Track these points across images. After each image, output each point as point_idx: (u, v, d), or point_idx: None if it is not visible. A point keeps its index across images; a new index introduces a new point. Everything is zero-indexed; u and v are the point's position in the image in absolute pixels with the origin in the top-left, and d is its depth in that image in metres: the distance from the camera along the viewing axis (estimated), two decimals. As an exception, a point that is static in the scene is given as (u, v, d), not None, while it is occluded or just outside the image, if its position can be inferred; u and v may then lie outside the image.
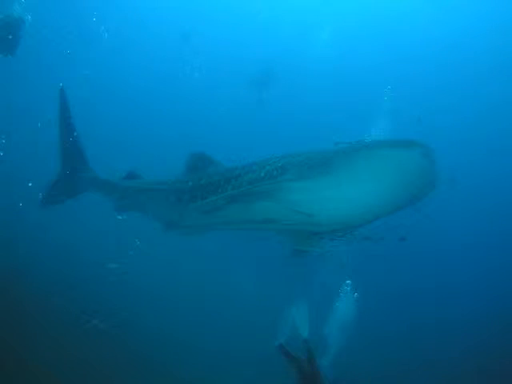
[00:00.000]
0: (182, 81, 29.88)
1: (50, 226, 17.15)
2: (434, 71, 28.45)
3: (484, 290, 22.78)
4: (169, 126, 27.80)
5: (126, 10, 29.42)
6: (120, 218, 8.32)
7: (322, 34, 27.47)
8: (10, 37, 8.93)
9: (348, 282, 11.18)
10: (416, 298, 20.53)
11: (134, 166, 7.87)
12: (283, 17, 28.45)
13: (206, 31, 29.77)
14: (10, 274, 13.15)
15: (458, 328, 18.28)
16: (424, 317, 18.90)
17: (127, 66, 31.49)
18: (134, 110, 30.25)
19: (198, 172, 6.38)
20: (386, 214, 4.80)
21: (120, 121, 28.75)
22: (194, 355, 12.71)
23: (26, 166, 19.38)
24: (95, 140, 12.02)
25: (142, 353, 12.64)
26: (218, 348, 13.22)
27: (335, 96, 28.72)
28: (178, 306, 15.04)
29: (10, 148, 16.24)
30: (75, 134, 7.78)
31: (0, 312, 10.87)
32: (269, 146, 11.75)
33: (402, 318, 18.38)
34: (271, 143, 17.28)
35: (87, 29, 25.38)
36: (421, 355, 15.91)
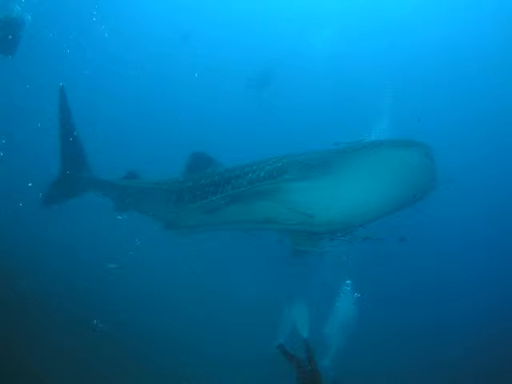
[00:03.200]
0: (181, 81, 29.91)
1: (50, 226, 17.13)
2: (435, 71, 28.43)
3: (484, 290, 22.76)
4: (169, 126, 27.79)
5: (125, 10, 29.43)
6: (120, 217, 8.32)
7: (322, 33, 27.45)
8: (10, 37, 8.92)
9: (348, 282, 11.17)
10: (416, 298, 20.50)
11: (133, 165, 7.87)
12: (283, 17, 28.43)
13: (205, 31, 29.83)
14: (10, 274, 13.13)
15: (458, 328, 18.26)
16: (424, 317, 18.87)
17: (127, 65, 31.46)
18: (134, 110, 30.23)
19: (198, 172, 6.39)
20: (386, 214, 4.80)
21: (120, 121, 28.70)
22: (193, 355, 12.71)
23: (26, 166, 19.37)
24: (95, 140, 12.00)
25: (142, 353, 12.63)
26: (217, 348, 13.22)
27: (335, 96, 28.68)
28: (177, 306, 15.03)
29: (10, 148, 16.24)
30: (75, 133, 7.77)
31: (0, 312, 10.85)
32: (269, 146, 11.74)
33: (402, 318, 18.36)
34: (271, 143, 17.24)
35: (87, 29, 25.38)
36: (421, 355, 15.89)
